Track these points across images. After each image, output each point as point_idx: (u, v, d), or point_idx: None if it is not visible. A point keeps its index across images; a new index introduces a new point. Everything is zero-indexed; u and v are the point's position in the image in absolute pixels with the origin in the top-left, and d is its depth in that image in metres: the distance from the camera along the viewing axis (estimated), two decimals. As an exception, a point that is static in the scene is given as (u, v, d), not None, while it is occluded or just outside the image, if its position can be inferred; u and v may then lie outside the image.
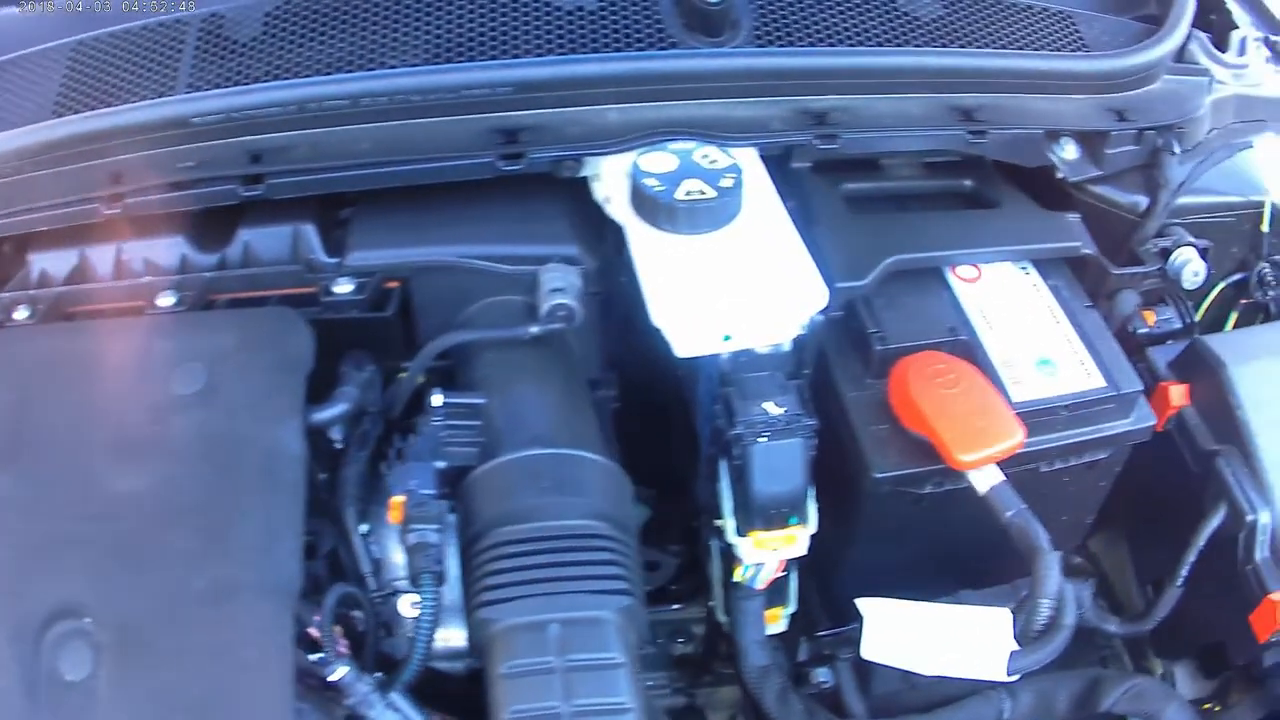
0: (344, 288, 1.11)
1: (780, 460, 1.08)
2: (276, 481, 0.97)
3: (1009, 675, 1.05)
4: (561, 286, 1.07)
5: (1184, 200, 1.31)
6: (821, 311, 1.12)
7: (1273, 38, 1.44)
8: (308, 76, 1.14)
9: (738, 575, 1.13)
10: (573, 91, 1.11)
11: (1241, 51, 1.40)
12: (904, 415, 1.10)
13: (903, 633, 1.09)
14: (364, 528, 1.07)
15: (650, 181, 1.04)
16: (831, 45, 1.17)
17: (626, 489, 1.06)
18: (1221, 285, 1.36)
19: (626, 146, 1.09)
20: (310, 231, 1.14)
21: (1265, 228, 1.35)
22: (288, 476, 0.98)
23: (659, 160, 1.06)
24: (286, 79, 1.14)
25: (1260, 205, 1.34)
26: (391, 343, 1.14)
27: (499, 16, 1.16)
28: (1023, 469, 1.16)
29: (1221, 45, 1.40)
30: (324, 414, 1.06)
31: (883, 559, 1.19)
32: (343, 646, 0.98)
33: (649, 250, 1.04)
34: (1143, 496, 1.34)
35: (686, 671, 1.35)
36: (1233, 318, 1.40)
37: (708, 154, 1.07)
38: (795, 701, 1.15)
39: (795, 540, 1.11)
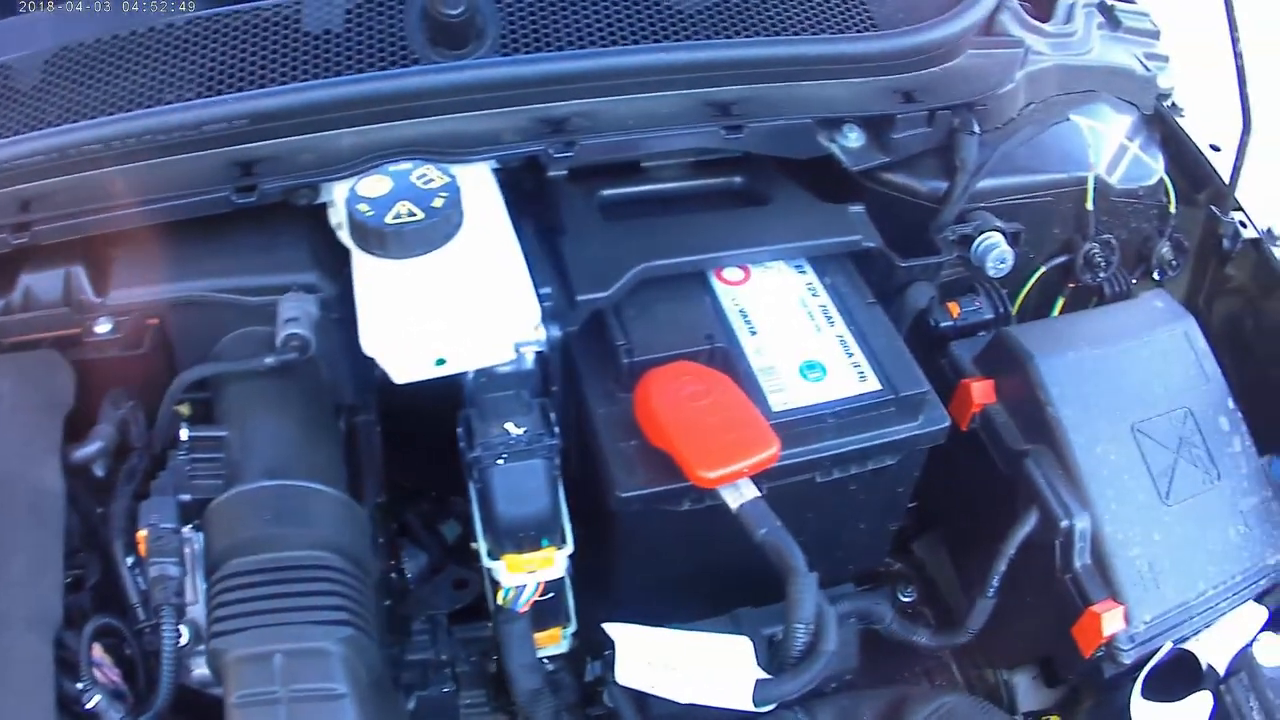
0: (103, 327, 1.13)
1: (522, 481, 1.06)
2: (40, 518, 1.01)
3: (757, 706, 1.00)
4: (295, 316, 1.07)
5: (995, 182, 1.22)
6: (560, 326, 1.09)
7: (1109, 3, 1.33)
8: (72, 122, 1.17)
9: (499, 599, 1.11)
10: (307, 119, 1.11)
11: (1068, 19, 1.29)
12: (649, 431, 1.05)
13: (653, 659, 1.05)
14: (131, 559, 1.09)
15: (362, 207, 1.03)
16: (580, 48, 1.13)
17: (358, 519, 1.05)
18: (1043, 269, 1.27)
19: (356, 171, 1.08)
20: (80, 273, 1.16)
21: (1090, 205, 1.25)
22: (49, 513, 1.02)
23: (374, 184, 1.04)
24: (55, 126, 1.17)
25: (1083, 182, 1.24)
26: (158, 379, 1.15)
27: (252, 48, 1.16)
28: (796, 480, 1.10)
29: (1046, 14, 1.30)
30: (82, 452, 1.08)
31: (655, 576, 1.15)
32: (114, 674, 1.01)
33: (364, 276, 1.03)
34: (959, 499, 1.26)
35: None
36: (1060, 303, 1.30)
37: (425, 174, 1.05)
38: (568, 725, 1.12)
39: (552, 562, 1.08)
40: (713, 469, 1.01)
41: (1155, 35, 1.36)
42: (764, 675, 1.00)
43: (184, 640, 1.03)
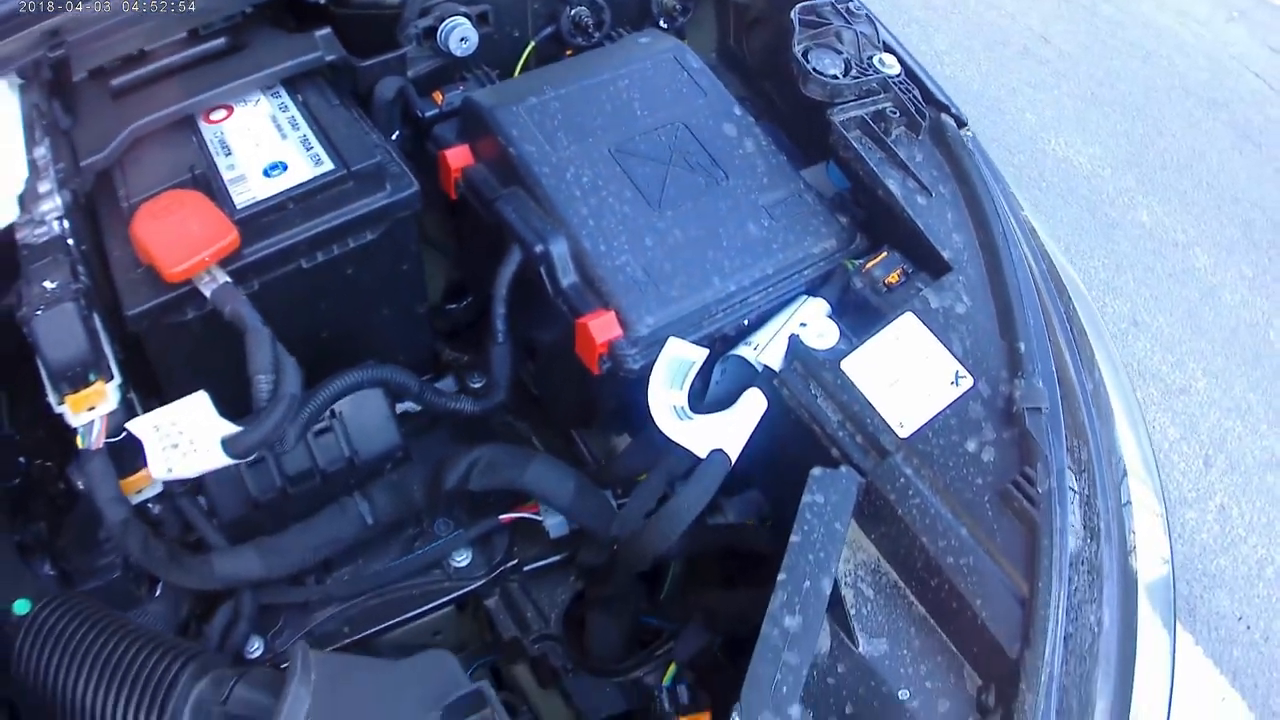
0: None
1: (58, 326, 1.19)
2: None
3: (232, 458, 1.09)
4: None
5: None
6: (71, 191, 1.26)
7: None
8: None
9: (79, 441, 1.25)
10: None
11: None
12: (140, 255, 1.19)
13: (166, 443, 1.15)
14: None
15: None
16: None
17: None
18: (533, 43, 1.32)
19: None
20: None
21: (559, -29, 1.31)
22: None
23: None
24: None
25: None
26: None
27: None
28: (286, 271, 1.20)
29: None
30: None
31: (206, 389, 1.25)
32: None
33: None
34: (485, 272, 1.29)
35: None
36: (563, 69, 1.34)
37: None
38: (157, 547, 1.23)
39: (104, 394, 1.22)
40: (177, 264, 1.13)
41: None
42: (232, 429, 1.09)
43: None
